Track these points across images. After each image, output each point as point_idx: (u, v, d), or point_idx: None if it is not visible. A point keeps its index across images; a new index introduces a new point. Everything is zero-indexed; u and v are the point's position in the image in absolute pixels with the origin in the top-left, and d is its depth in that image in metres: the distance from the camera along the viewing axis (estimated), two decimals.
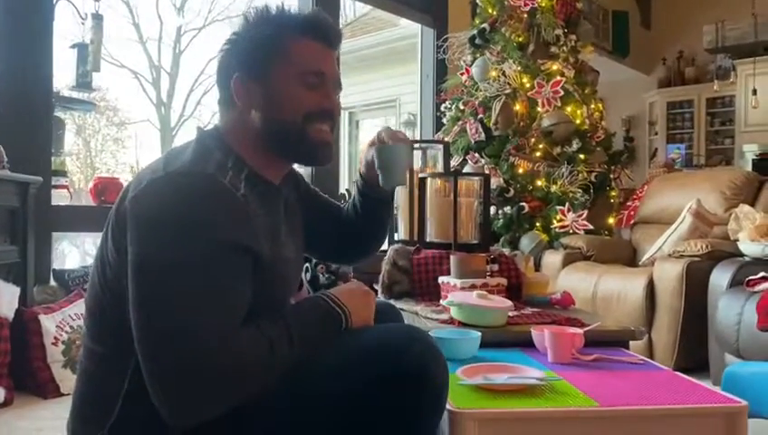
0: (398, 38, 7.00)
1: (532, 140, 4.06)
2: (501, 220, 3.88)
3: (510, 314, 1.74)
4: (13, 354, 2.39)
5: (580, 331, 1.51)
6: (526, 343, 1.57)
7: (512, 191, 3.94)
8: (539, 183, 3.98)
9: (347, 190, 4.27)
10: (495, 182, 3.83)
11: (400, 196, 2.48)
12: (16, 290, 2.51)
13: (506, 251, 2.31)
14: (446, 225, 2.18)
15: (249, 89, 1.13)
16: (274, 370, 0.97)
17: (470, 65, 4.40)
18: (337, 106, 1.19)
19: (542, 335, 1.49)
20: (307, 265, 3.34)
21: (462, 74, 4.47)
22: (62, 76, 3.65)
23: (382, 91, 7.28)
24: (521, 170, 3.99)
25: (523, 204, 3.88)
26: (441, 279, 1.94)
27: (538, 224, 3.91)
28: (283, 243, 1.16)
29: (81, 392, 1.08)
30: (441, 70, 4.93)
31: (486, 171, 3.94)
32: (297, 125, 1.14)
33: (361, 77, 7.35)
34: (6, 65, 2.86)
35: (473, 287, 1.82)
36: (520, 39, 4.28)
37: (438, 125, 4.77)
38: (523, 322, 1.72)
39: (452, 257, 1.90)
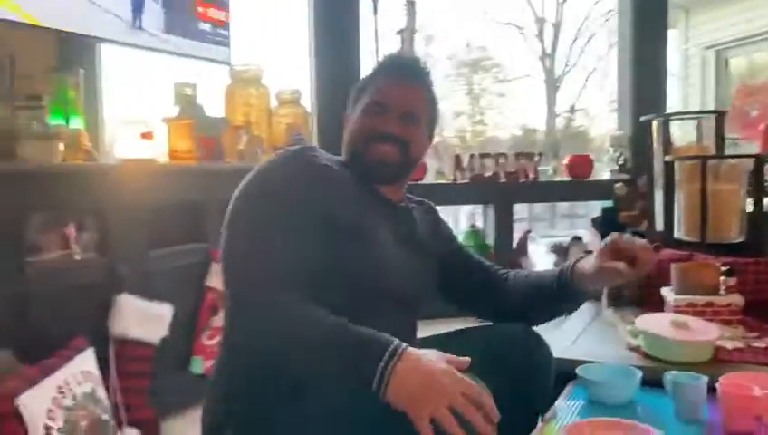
0: None
1: None
2: None
3: (728, 346, 1.37)
4: None
5: None
6: None
7: None
8: None
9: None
10: None
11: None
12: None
13: None
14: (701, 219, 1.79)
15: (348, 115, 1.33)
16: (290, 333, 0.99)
17: None
18: (396, 131, 1.24)
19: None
20: None
21: None
22: None
23: (759, 21, 5.99)
24: None
25: None
26: (663, 291, 1.62)
27: None
28: (379, 232, 1.20)
29: None
30: None
31: None
32: (358, 145, 1.26)
33: (731, 6, 6.18)
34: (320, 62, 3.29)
35: (690, 307, 1.49)
36: None
37: None
38: (738, 359, 1.34)
39: (672, 266, 1.57)
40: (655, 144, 2.03)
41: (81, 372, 1.82)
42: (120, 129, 2.40)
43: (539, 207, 9.12)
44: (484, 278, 1.38)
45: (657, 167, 2.03)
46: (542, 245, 3.88)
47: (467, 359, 0.98)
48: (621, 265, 1.18)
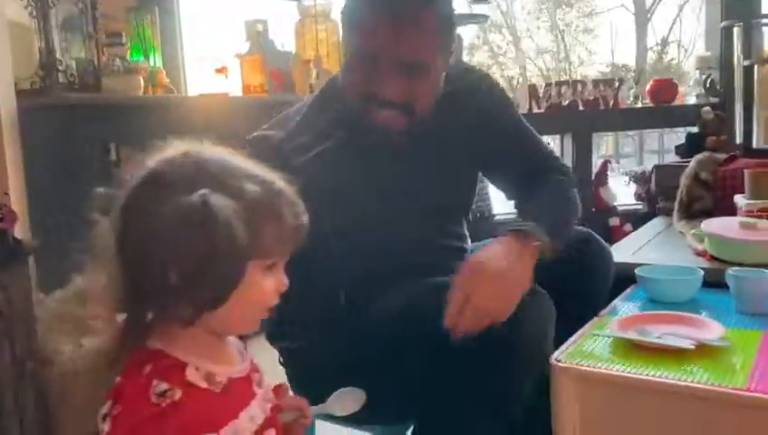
0: None
1: None
2: None
3: None
4: None
5: None
6: None
7: None
8: None
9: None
10: None
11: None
12: None
13: None
14: None
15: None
16: None
17: None
18: (396, 96, 1.02)
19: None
20: None
21: None
22: None
23: None
24: None
25: None
26: (736, 198, 1.56)
27: None
28: (373, 181, 1.07)
29: None
30: None
31: None
32: (352, 105, 1.07)
33: None
34: None
35: (763, 211, 1.43)
36: None
37: None
38: None
39: (745, 172, 1.51)
40: (736, 53, 1.92)
41: None
42: (197, 65, 2.51)
43: (626, 145, 8.80)
44: (515, 175, 1.23)
45: (739, 76, 1.93)
46: (624, 175, 3.77)
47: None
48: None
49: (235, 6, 2.81)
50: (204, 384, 0.68)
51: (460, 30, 3.81)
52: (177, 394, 0.65)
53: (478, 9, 3.94)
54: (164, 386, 0.65)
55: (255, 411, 0.73)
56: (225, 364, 0.73)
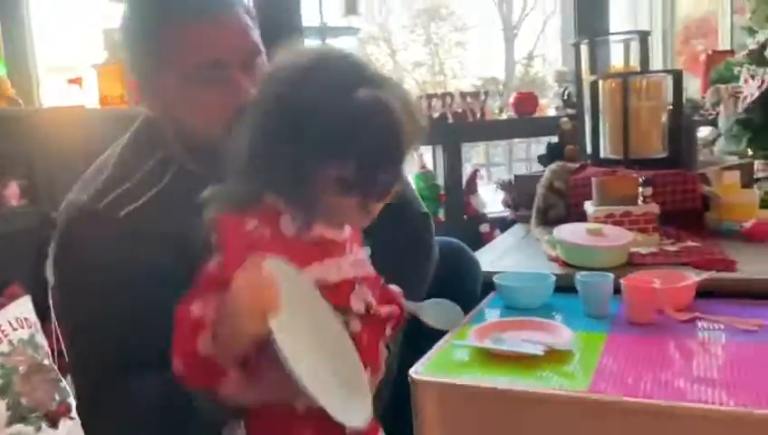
0: None
1: None
2: None
3: (643, 251, 1.42)
4: None
5: (689, 281, 1.17)
6: None
7: None
8: None
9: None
10: None
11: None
12: None
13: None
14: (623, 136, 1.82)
15: (145, 96, 0.99)
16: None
17: None
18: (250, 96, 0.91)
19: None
20: None
21: None
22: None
23: None
24: None
25: None
26: (585, 205, 1.66)
27: None
28: None
29: None
30: None
31: None
32: (214, 134, 0.92)
33: None
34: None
35: (608, 217, 1.53)
36: None
37: None
38: (651, 262, 1.39)
39: (592, 180, 1.61)
40: (584, 68, 2.06)
41: (16, 318, 1.81)
42: (48, 76, 2.35)
43: (497, 155, 9.20)
44: None
45: (586, 90, 2.06)
46: (494, 183, 3.92)
47: None
48: None
49: (92, 14, 2.66)
50: (291, 232, 0.78)
51: (336, 41, 3.84)
52: (266, 231, 0.77)
53: (350, 21, 3.98)
54: (254, 223, 0.77)
55: (345, 266, 0.83)
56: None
